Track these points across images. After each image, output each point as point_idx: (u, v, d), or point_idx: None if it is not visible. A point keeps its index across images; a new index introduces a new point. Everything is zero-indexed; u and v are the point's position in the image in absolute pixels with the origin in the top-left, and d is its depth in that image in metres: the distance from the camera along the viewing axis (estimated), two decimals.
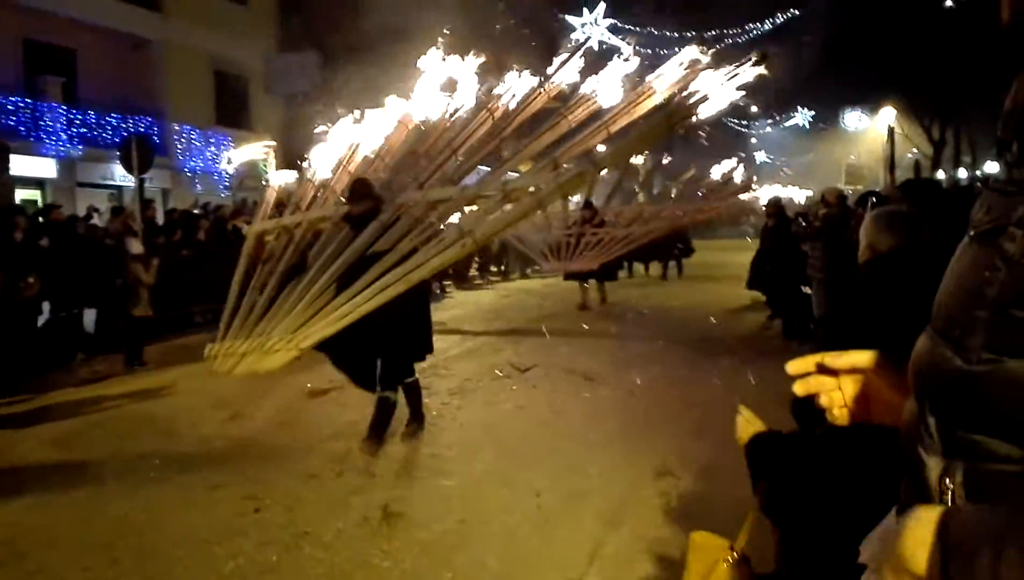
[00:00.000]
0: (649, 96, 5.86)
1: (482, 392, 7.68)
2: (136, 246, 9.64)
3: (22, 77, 17.17)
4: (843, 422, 1.17)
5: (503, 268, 20.74)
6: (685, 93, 5.35)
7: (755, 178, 23.12)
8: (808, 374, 1.17)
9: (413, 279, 4.76)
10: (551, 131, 6.20)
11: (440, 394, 7.56)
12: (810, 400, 1.20)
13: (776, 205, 11.37)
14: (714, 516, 4.49)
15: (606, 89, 6.25)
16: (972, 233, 0.91)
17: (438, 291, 17.16)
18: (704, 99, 4.98)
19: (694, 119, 5.33)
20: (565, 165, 5.30)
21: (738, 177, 13.74)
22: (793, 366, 1.18)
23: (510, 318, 12.67)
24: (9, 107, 16.20)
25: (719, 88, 5.21)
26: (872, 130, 36.65)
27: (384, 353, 5.64)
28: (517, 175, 6.19)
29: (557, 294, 15.05)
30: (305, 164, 7.03)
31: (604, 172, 6.73)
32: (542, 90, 6.22)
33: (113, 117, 18.39)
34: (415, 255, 4.89)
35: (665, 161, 17.05)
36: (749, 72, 5.32)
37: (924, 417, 0.91)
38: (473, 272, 19.21)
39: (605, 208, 13.33)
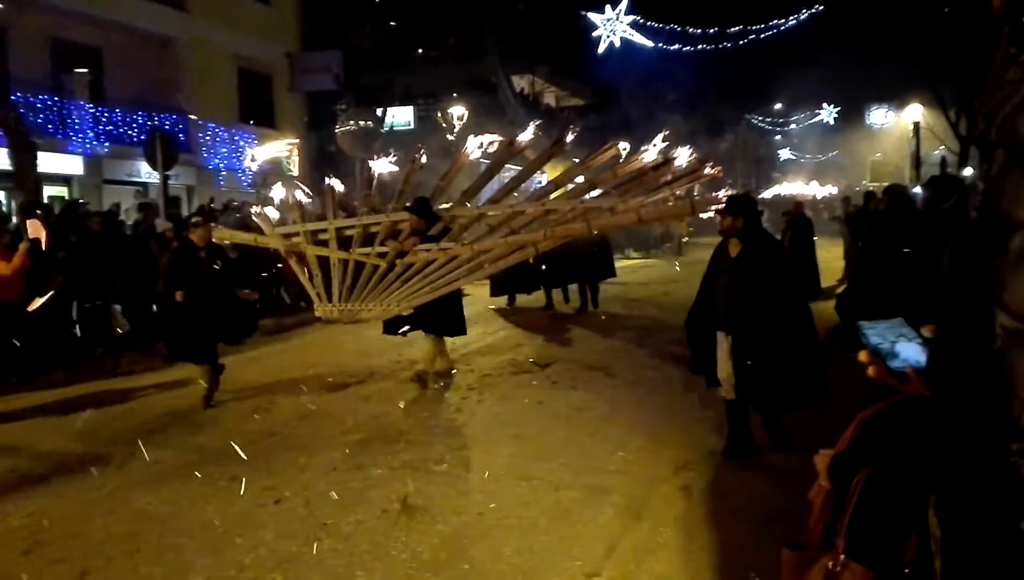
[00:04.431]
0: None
1: (501, 387, 7.68)
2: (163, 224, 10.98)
3: (49, 75, 17.36)
4: None
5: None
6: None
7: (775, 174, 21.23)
8: None
9: None
10: None
11: (460, 389, 7.57)
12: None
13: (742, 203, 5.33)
14: (734, 510, 4.46)
15: None
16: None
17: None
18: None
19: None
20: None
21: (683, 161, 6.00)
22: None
23: None
24: (37, 105, 16.39)
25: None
26: (898, 126, 36.15)
27: None
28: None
29: None
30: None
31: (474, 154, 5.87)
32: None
33: (139, 115, 18.57)
34: None
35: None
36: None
37: None
38: None
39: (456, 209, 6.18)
